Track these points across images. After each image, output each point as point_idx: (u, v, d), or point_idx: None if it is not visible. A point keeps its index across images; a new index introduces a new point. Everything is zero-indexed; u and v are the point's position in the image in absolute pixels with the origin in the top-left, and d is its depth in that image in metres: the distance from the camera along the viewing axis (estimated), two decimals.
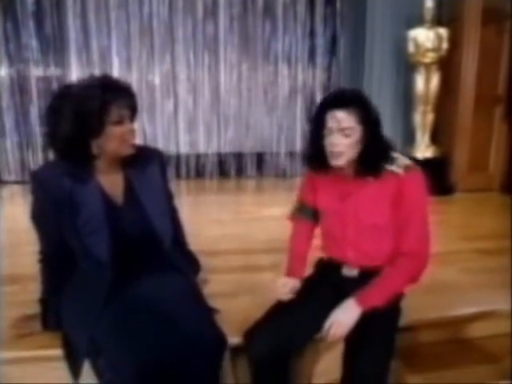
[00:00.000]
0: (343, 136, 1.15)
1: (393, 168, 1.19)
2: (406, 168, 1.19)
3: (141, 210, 1.22)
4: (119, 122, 1.13)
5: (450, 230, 2.59)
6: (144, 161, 1.28)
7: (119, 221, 1.19)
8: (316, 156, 1.24)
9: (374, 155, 1.17)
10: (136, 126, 1.21)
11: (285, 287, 1.29)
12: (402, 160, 1.21)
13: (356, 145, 1.16)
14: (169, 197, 1.38)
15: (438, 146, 3.78)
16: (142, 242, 1.22)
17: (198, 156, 4.52)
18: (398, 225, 1.20)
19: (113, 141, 1.14)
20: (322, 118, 1.18)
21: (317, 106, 1.21)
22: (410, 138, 3.79)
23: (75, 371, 1.17)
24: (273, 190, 4.19)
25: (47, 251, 1.24)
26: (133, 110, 1.18)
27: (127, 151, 1.19)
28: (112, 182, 1.22)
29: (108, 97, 1.11)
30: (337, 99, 1.17)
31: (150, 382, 1.02)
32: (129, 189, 1.24)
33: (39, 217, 1.19)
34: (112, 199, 1.21)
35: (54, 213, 1.15)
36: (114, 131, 1.13)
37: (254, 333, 1.24)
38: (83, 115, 1.09)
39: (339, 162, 1.18)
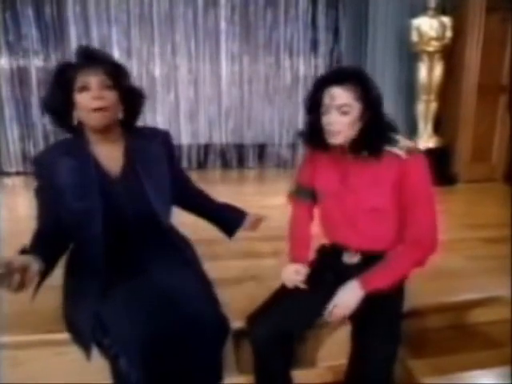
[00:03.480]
0: (340, 114, 1.11)
1: (395, 150, 1.14)
2: (409, 151, 1.14)
3: (139, 185, 1.19)
4: (83, 89, 1.11)
5: (453, 219, 2.59)
6: (148, 137, 1.26)
7: (114, 194, 1.16)
8: (314, 134, 1.20)
9: (373, 135, 1.13)
10: (112, 95, 1.13)
11: (298, 275, 1.27)
12: (404, 142, 1.17)
13: (354, 123, 1.12)
14: (179, 171, 1.42)
15: (440, 135, 3.76)
16: (138, 218, 1.19)
17: (199, 147, 4.51)
18: (403, 209, 1.17)
19: (81, 109, 1.12)
20: (319, 95, 1.14)
21: (314, 83, 1.17)
22: (412, 128, 3.77)
23: (86, 352, 1.16)
24: (274, 181, 4.18)
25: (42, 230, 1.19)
26: (110, 77, 1.13)
27: (94, 122, 1.12)
28: (109, 155, 1.19)
29: (74, 65, 1.12)
30: (334, 75, 1.13)
31: (153, 360, 1.02)
32: (128, 163, 1.21)
33: (39, 200, 1.18)
34: (107, 172, 1.18)
35: (52, 197, 1.14)
36: (79, 98, 1.11)
37: (256, 317, 1.24)
38: (52, 84, 1.14)
39: (337, 140, 1.14)
